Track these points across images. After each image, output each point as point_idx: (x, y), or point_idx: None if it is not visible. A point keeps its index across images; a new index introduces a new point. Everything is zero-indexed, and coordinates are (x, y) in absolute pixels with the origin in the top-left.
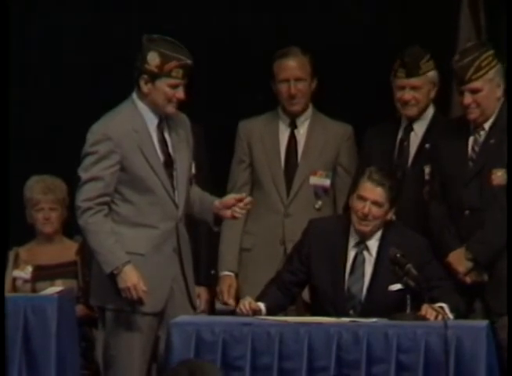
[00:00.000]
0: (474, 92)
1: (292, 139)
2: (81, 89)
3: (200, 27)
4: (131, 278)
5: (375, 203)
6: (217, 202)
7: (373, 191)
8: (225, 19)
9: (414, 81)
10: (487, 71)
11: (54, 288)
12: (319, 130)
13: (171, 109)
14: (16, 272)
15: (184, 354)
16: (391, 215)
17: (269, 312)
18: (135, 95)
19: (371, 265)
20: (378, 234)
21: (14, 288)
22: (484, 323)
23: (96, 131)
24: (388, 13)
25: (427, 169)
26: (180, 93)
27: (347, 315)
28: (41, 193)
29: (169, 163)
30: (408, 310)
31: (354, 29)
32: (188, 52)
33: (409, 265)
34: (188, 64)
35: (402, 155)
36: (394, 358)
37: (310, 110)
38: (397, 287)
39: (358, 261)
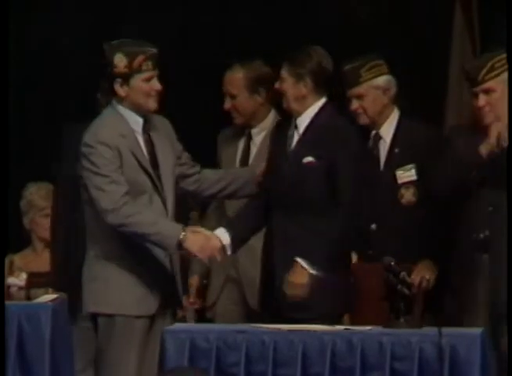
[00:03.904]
0: (488, 92)
1: (246, 150)
2: (80, 89)
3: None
4: (201, 235)
5: None
6: (258, 170)
7: None
8: (221, 19)
9: (356, 90)
10: (501, 72)
11: (48, 296)
12: None
13: (152, 104)
14: (11, 280)
15: (178, 361)
16: None
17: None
18: (114, 101)
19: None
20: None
21: (8, 295)
22: (478, 330)
23: (92, 141)
24: (381, 16)
25: (398, 173)
26: (156, 85)
27: None
28: (47, 200)
29: (155, 164)
30: (402, 318)
31: (351, 29)
32: (148, 42)
33: (403, 273)
34: (154, 53)
35: (374, 163)
36: (389, 365)
37: (268, 121)
38: (308, 159)
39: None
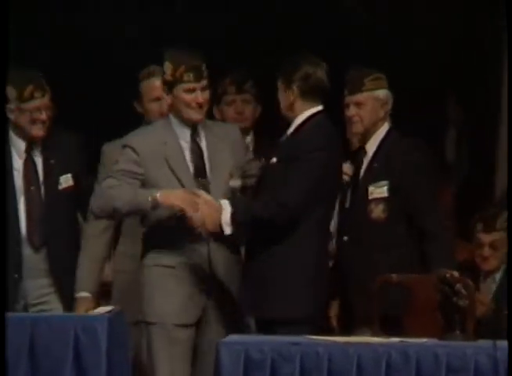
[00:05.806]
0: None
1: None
2: (80, 90)
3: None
4: (180, 190)
5: None
6: None
7: None
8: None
9: (356, 97)
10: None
11: (104, 307)
12: None
13: (195, 115)
14: None
15: (233, 373)
16: None
17: None
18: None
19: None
20: None
21: None
22: None
23: (123, 144)
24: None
25: (370, 188)
26: (198, 98)
27: None
28: None
29: (202, 174)
30: (457, 330)
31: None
32: (199, 54)
33: (458, 285)
34: (196, 66)
35: (355, 176)
36: None
37: None
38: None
39: None
